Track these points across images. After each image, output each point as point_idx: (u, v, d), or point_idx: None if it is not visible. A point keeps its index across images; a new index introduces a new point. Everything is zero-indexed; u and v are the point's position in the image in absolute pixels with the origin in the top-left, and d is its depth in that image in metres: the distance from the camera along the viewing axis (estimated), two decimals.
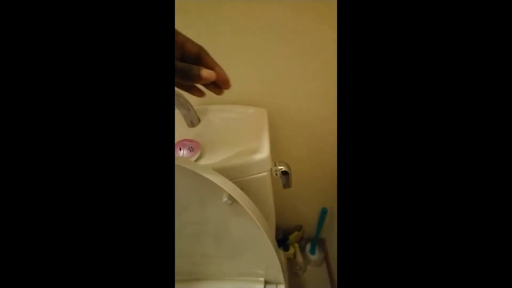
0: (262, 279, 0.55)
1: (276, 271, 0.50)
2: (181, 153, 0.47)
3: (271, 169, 0.49)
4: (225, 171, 0.39)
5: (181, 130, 0.52)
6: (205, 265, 0.52)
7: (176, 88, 0.30)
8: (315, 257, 1.12)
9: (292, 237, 1.05)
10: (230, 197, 0.35)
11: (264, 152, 0.44)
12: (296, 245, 1.08)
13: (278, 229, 1.07)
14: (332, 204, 0.95)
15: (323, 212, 0.95)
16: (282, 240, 1.03)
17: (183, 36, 0.29)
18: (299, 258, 1.08)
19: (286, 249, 1.03)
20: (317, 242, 1.10)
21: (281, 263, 0.50)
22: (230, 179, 0.39)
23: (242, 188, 0.43)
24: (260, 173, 0.44)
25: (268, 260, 0.48)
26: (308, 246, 1.13)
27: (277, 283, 0.55)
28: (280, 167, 0.52)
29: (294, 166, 0.56)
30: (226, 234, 0.44)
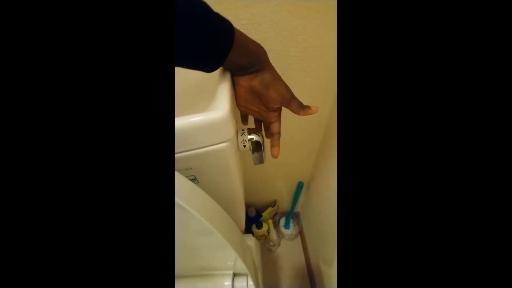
0: (230, 272, 0.48)
1: (244, 264, 0.41)
2: None
3: (236, 137, 0.36)
4: None
5: None
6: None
7: None
8: (289, 232, 1.08)
9: (265, 213, 0.98)
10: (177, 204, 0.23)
11: (220, 110, 0.28)
12: (270, 221, 1.02)
13: (251, 205, 0.99)
14: (308, 178, 0.88)
15: (299, 187, 0.88)
16: (255, 218, 0.97)
17: (289, 91, 0.32)
18: (273, 235, 1.04)
19: (259, 226, 0.96)
20: (292, 216, 1.05)
21: (248, 255, 0.41)
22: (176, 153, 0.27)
23: (190, 169, 0.31)
24: (218, 143, 0.29)
25: (234, 255, 0.39)
26: (282, 221, 1.08)
27: (246, 274, 0.48)
28: (250, 137, 0.38)
29: (267, 140, 0.44)
30: (185, 236, 0.33)
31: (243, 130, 0.38)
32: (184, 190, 0.25)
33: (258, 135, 0.39)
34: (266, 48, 0.30)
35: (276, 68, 0.32)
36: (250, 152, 0.39)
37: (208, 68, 0.26)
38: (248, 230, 0.99)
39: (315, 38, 0.48)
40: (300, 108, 0.32)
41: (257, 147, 0.39)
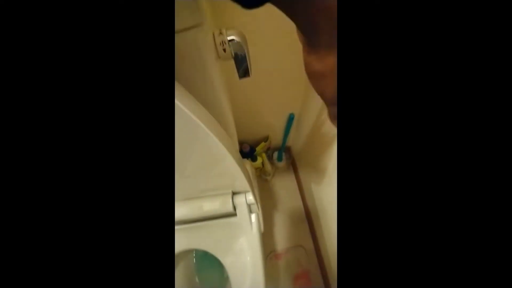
0: (229, 190, 0.52)
1: (243, 182, 0.45)
2: None
3: (213, 38, 0.31)
4: None
5: None
6: None
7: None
8: (282, 164, 1.15)
9: (259, 148, 1.03)
10: None
11: None
12: (264, 155, 1.08)
13: (244, 142, 1.03)
14: (299, 109, 0.89)
15: (290, 119, 0.90)
16: (249, 152, 1.01)
17: None
18: (267, 167, 1.11)
19: (254, 159, 1.02)
20: (284, 150, 1.11)
21: (245, 173, 0.44)
22: None
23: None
24: (188, 28, 0.23)
25: (233, 172, 0.42)
26: (275, 154, 1.14)
27: (245, 192, 0.53)
28: (230, 36, 0.31)
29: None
30: (184, 153, 0.35)
31: (220, 30, 0.32)
32: (181, 94, 0.25)
33: (240, 36, 0.32)
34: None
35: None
36: (233, 60, 0.33)
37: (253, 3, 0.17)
38: None
39: None
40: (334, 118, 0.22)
41: (239, 50, 0.32)
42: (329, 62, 0.19)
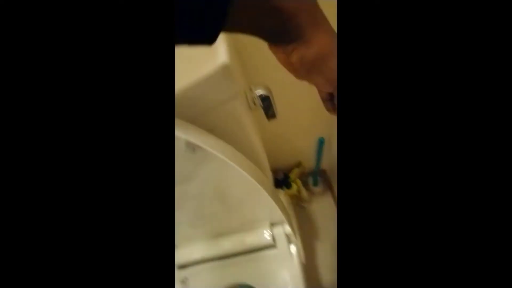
0: (267, 222, 0.52)
1: (278, 213, 0.45)
2: None
3: (245, 96, 0.38)
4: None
5: None
6: (208, 223, 0.47)
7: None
8: (318, 189, 1.11)
9: (292, 174, 1.02)
10: (189, 144, 0.26)
11: (220, 57, 0.26)
12: (298, 181, 1.06)
13: (277, 169, 1.03)
14: (329, 131, 0.88)
15: (320, 142, 0.89)
16: (283, 180, 1.01)
17: None
18: (303, 193, 1.08)
19: (288, 186, 1.01)
20: (319, 173, 1.08)
21: (280, 204, 0.45)
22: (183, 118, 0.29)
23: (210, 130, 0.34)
24: (227, 100, 0.30)
25: (268, 205, 0.43)
26: (310, 179, 1.12)
27: (282, 223, 0.52)
28: (258, 92, 0.38)
29: (277, 91, 0.45)
30: (213, 190, 0.37)
31: (250, 87, 0.39)
32: (212, 141, 0.27)
33: (264, 88, 0.39)
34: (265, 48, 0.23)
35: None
36: (262, 108, 0.40)
37: (207, 36, 0.18)
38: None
39: None
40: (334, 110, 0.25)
41: (266, 101, 0.40)
42: (297, 56, 0.20)
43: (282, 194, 0.68)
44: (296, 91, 0.67)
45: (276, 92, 0.42)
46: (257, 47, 0.55)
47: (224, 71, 0.28)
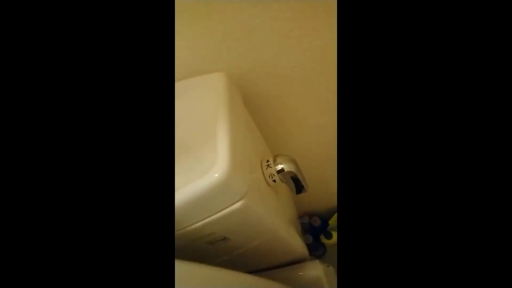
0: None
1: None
2: None
3: (262, 173, 0.31)
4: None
5: None
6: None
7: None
8: None
9: (332, 221, 0.89)
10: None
11: (220, 164, 0.22)
12: None
13: (313, 215, 0.91)
14: None
15: None
16: (321, 228, 0.88)
17: None
18: None
19: (328, 236, 0.87)
20: None
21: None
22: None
23: (214, 233, 0.27)
24: (230, 204, 0.23)
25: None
26: None
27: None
28: (278, 166, 0.31)
29: (302, 160, 0.37)
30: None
31: (268, 161, 0.32)
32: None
33: (288, 162, 0.31)
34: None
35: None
36: (285, 183, 0.33)
37: None
38: (316, 241, 0.91)
39: (315, 39, 0.44)
40: None
41: (290, 175, 0.32)
42: None
43: (318, 267, 0.52)
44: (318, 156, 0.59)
45: (301, 160, 0.34)
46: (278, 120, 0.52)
47: (227, 181, 0.23)
